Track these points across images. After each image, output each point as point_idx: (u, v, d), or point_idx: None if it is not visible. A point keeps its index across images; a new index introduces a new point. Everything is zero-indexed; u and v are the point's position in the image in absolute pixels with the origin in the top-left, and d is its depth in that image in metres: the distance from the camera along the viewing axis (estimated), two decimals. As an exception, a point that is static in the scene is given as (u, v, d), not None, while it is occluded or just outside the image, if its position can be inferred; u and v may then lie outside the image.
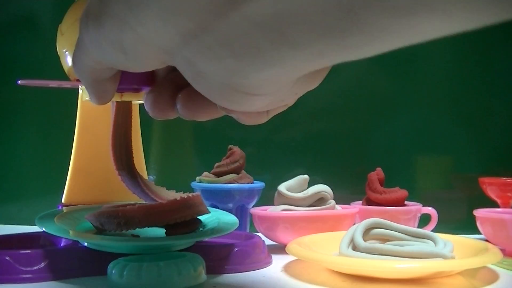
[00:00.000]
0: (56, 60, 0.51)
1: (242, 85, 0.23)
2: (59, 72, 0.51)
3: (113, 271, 0.35)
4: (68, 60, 0.49)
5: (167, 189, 0.45)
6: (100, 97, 0.31)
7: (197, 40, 0.21)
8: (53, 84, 0.51)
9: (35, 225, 0.42)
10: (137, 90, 0.50)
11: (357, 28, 0.18)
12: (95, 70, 0.28)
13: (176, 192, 0.45)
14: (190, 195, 0.41)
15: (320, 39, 0.19)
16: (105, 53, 0.25)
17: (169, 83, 0.31)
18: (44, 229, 0.41)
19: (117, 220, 0.39)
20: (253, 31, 0.20)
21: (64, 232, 0.41)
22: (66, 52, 0.49)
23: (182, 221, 0.40)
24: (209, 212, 0.43)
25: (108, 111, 0.56)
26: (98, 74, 0.29)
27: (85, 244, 0.42)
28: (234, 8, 0.19)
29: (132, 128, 0.48)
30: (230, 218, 0.46)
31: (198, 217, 0.42)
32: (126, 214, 0.39)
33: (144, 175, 0.56)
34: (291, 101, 0.29)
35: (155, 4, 0.21)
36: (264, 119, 0.29)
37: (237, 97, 0.24)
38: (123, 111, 0.44)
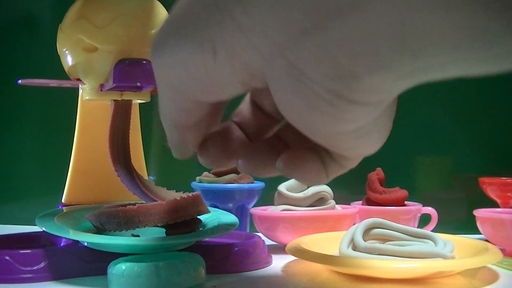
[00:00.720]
0: (56, 59, 0.51)
1: (350, 88, 0.21)
2: (59, 72, 0.51)
3: (113, 271, 0.35)
4: (68, 59, 0.49)
5: (167, 189, 0.45)
6: (182, 151, 0.29)
7: (309, 39, 0.20)
8: (53, 83, 0.51)
9: (35, 225, 0.42)
10: (138, 89, 0.50)
11: (491, 46, 0.17)
12: (180, 114, 0.27)
13: (176, 192, 0.45)
14: (190, 195, 0.41)
15: (445, 52, 0.18)
16: (186, 66, 0.23)
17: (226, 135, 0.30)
18: (44, 228, 0.41)
19: (117, 220, 0.39)
20: (373, 35, 0.19)
21: (64, 232, 0.41)
22: (67, 51, 0.49)
23: (182, 221, 0.40)
24: (209, 212, 0.43)
25: (108, 111, 0.56)
26: (181, 118, 0.27)
27: (85, 244, 0.42)
28: (356, 9, 0.18)
29: (132, 128, 0.48)
30: (230, 218, 0.46)
31: (198, 217, 0.42)
32: (126, 214, 0.39)
33: (144, 175, 0.56)
34: (353, 162, 0.28)
35: None
36: (323, 179, 0.28)
37: (338, 108, 0.22)
38: (122, 110, 0.44)
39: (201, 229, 0.43)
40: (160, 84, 0.26)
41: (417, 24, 0.18)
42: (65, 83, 0.51)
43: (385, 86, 0.21)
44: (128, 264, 0.35)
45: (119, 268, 0.34)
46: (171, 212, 0.39)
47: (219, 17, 0.21)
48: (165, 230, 0.41)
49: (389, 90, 0.22)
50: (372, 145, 0.26)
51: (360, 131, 0.24)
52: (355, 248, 0.45)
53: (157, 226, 0.41)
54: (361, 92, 0.21)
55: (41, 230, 0.42)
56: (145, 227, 0.39)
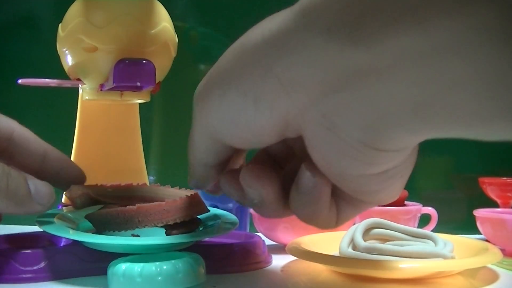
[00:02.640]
0: (56, 59, 0.51)
1: (374, 139, 0.23)
2: (59, 72, 0.51)
3: (113, 271, 0.35)
4: (68, 59, 0.49)
5: (161, 185, 0.45)
6: (203, 181, 0.33)
7: (339, 96, 0.22)
8: (53, 83, 0.51)
9: (35, 225, 0.42)
10: (138, 89, 0.50)
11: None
12: (208, 154, 0.30)
13: (171, 187, 0.45)
14: (189, 193, 0.41)
15: (458, 124, 0.21)
16: (229, 112, 0.26)
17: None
18: (44, 229, 0.41)
19: (117, 220, 0.39)
20: (397, 100, 0.21)
21: (64, 232, 0.41)
22: (67, 51, 0.49)
23: (182, 221, 0.40)
24: (209, 211, 0.43)
25: (108, 111, 0.56)
26: (208, 158, 0.30)
27: (85, 244, 0.42)
28: (380, 78, 0.21)
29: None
30: (230, 218, 0.46)
31: (198, 216, 0.42)
32: (126, 214, 0.39)
33: (144, 175, 0.56)
34: (368, 206, 0.30)
35: (306, 52, 0.22)
36: (332, 225, 0.30)
37: (365, 154, 0.24)
38: None
39: (201, 229, 0.43)
40: (197, 127, 0.29)
41: (439, 100, 0.20)
42: (65, 83, 0.51)
43: (406, 139, 0.24)
44: (128, 264, 0.34)
45: (119, 268, 0.34)
46: (171, 213, 0.39)
47: (262, 72, 0.24)
48: (165, 230, 0.41)
49: (411, 141, 0.25)
50: (393, 190, 0.28)
51: (385, 174, 0.26)
52: (355, 248, 0.45)
53: (157, 226, 0.41)
54: (384, 142, 0.24)
55: (41, 230, 0.41)
56: (144, 227, 0.39)
